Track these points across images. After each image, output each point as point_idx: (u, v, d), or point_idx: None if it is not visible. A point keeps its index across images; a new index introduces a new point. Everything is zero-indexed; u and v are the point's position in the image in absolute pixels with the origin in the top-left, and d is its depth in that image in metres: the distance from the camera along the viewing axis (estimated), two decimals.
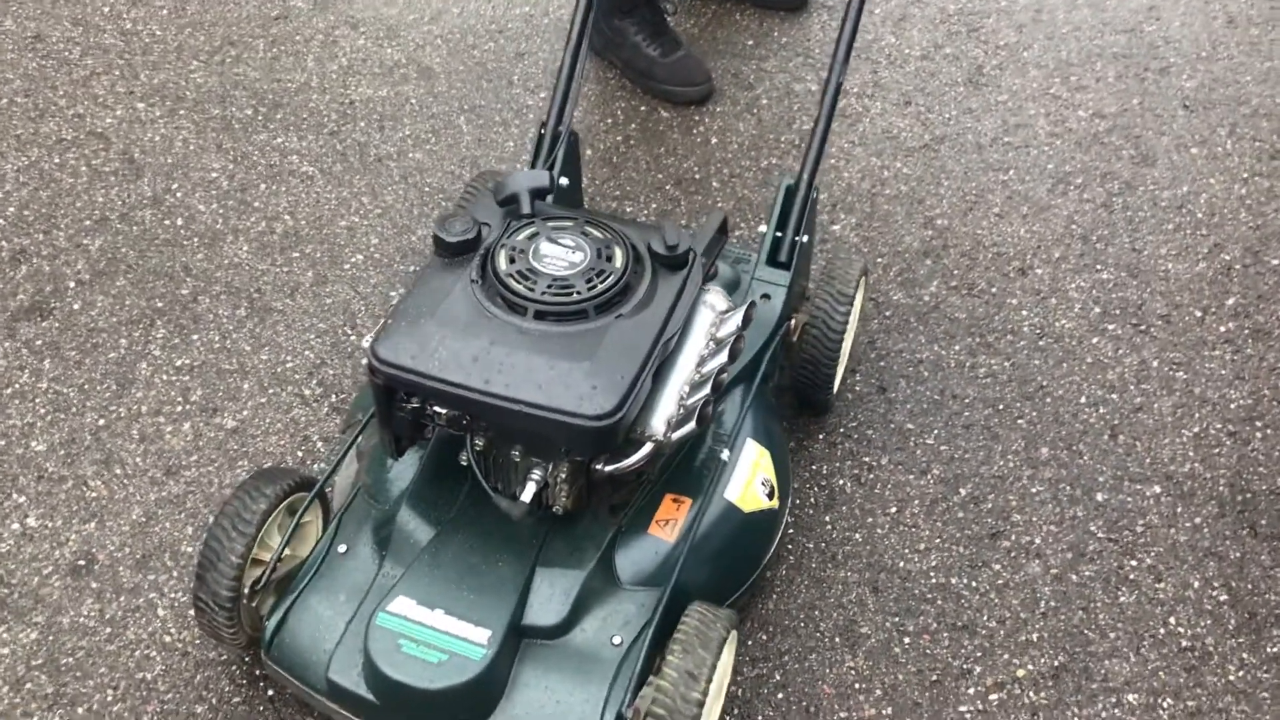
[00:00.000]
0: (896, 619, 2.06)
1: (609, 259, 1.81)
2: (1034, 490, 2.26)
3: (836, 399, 2.38)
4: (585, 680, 1.75)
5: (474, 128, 3.01)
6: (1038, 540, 2.18)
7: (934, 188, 2.87)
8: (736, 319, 1.90)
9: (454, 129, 3.01)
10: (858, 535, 2.18)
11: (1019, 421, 2.38)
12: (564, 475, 1.78)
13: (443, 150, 2.95)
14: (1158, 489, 2.26)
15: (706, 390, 1.83)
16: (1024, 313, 2.59)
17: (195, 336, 2.49)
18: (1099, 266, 2.68)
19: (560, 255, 1.81)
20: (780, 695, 1.96)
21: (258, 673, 1.96)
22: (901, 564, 2.14)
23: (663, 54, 3.06)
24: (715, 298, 1.93)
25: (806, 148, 2.24)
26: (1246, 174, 2.90)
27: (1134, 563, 2.14)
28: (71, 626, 2.02)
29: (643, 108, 3.08)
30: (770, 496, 2.01)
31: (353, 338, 2.50)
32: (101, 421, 2.33)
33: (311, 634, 1.81)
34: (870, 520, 2.20)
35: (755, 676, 1.98)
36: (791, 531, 2.17)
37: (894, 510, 2.22)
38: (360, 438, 2.02)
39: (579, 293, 1.76)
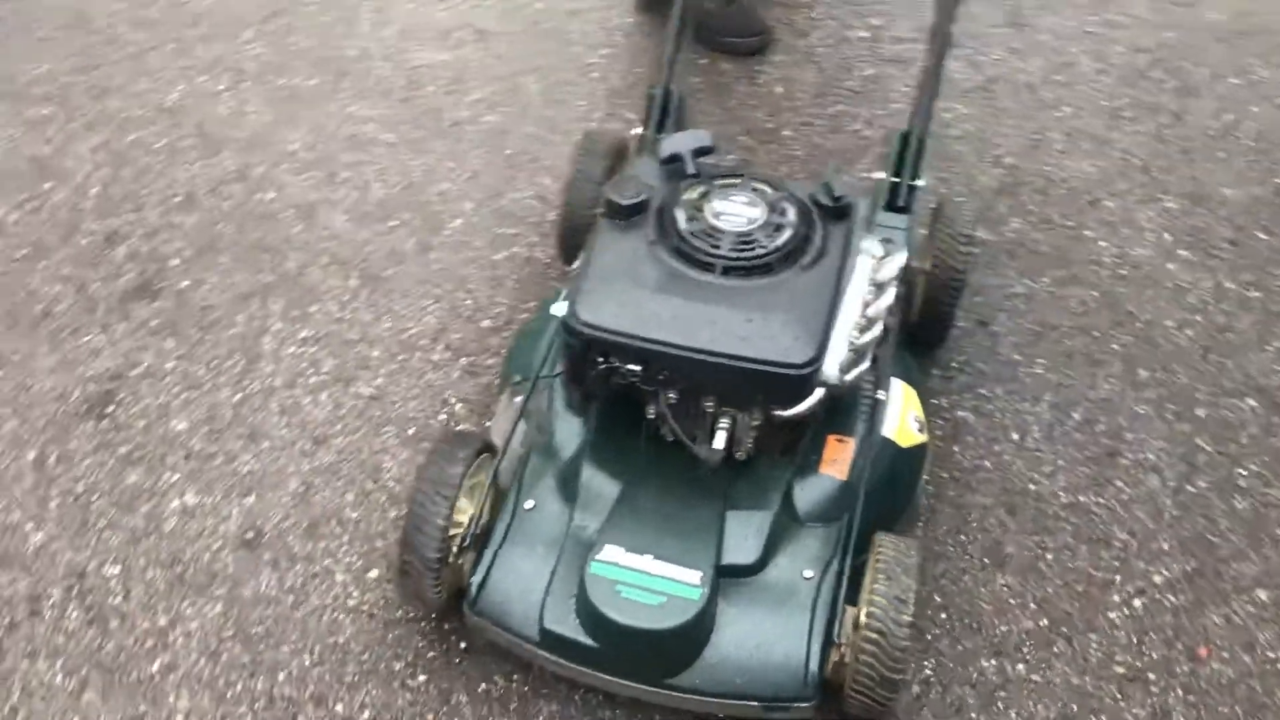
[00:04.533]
0: (1036, 538, 2.20)
1: (783, 213, 1.90)
2: (1140, 410, 2.40)
3: (955, 346, 2.49)
4: (786, 613, 1.85)
5: (541, 88, 3.05)
6: (1152, 456, 2.33)
7: (996, 127, 2.99)
8: (896, 263, 2.00)
9: (522, 91, 3.04)
10: (987, 463, 2.31)
11: (1114, 347, 2.51)
12: (755, 423, 1.87)
13: (516, 112, 2.99)
14: (1253, 402, 2.42)
15: (876, 331, 1.94)
16: (1101, 244, 2.72)
17: (313, 308, 2.53)
18: (1162, 196, 2.83)
19: (737, 212, 1.89)
20: (944, 615, 2.09)
21: (446, 627, 2.03)
22: (1032, 486, 2.27)
23: (719, 5, 3.11)
24: (871, 244, 2.02)
25: (918, 94, 2.34)
26: None
27: (1243, 471, 2.30)
28: (254, 598, 2.07)
29: (703, 61, 3.14)
30: (920, 431, 2.12)
31: (469, 302, 2.55)
32: (237, 397, 2.37)
33: (516, 587, 1.88)
34: (996, 448, 2.33)
35: (918, 598, 2.10)
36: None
37: (1016, 437, 2.35)
38: (528, 400, 2.08)
39: (762, 247, 1.85)
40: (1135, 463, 2.31)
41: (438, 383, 2.40)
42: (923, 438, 2.12)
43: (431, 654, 2.01)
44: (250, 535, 2.15)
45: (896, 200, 2.32)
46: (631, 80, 3.08)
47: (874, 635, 1.76)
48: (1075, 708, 1.98)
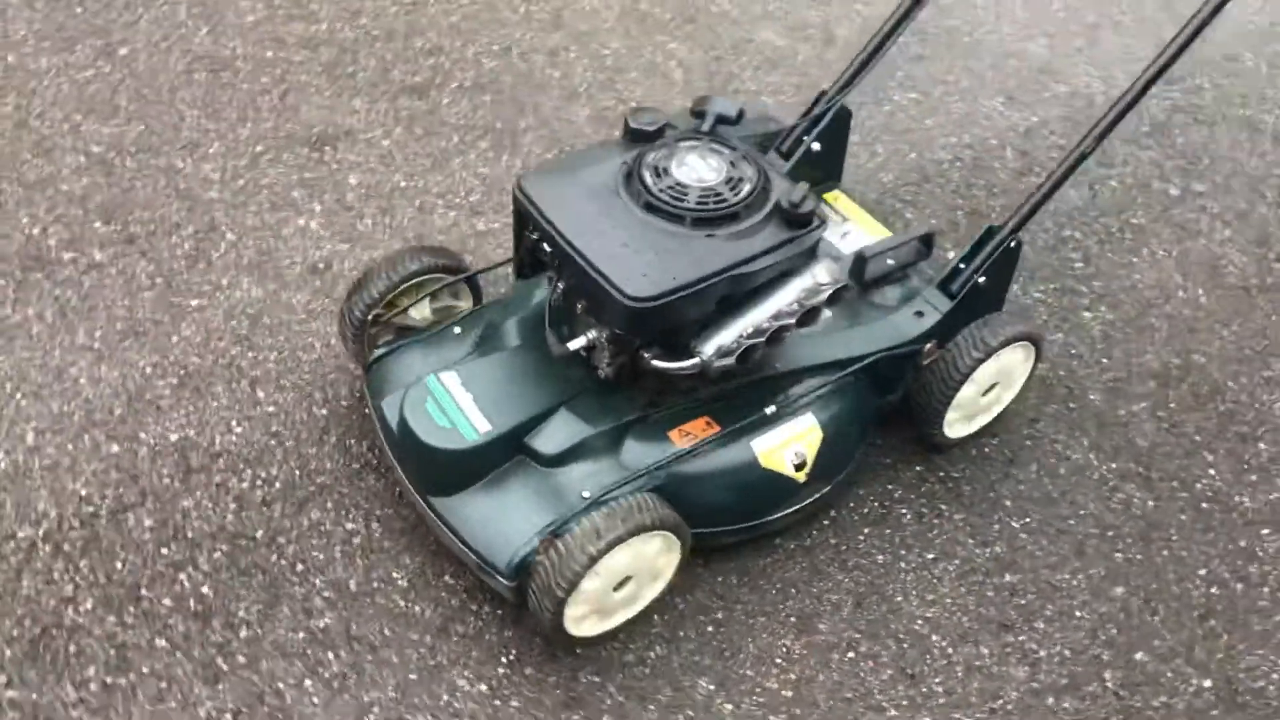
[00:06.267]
0: (857, 635, 2.11)
1: (734, 190, 2.02)
2: (1078, 615, 2.17)
3: (962, 450, 2.40)
4: (541, 506, 2.02)
5: None
6: (1043, 653, 2.11)
7: (1220, 328, 2.70)
8: (824, 296, 2.03)
9: (808, 97, 3.23)
10: (880, 557, 2.23)
11: (1116, 555, 2.26)
12: (608, 343, 2.04)
13: (787, 106, 3.19)
14: (1208, 684, 2.08)
15: (760, 339, 2.01)
16: (1212, 472, 2.41)
17: (505, 158, 2.98)
18: None
19: (697, 168, 2.04)
20: (710, 629, 2.11)
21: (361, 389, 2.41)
22: (899, 599, 2.17)
23: None
24: (822, 270, 2.07)
25: (1025, 200, 2.27)
26: None
27: None
28: (284, 303, 2.59)
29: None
30: (798, 470, 2.13)
31: None
32: (403, 184, 2.89)
33: (397, 373, 2.21)
34: (902, 553, 2.24)
35: (702, 605, 2.14)
36: (826, 523, 2.26)
37: (930, 557, 2.23)
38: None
39: (688, 203, 1.99)
40: (1018, 647, 2.12)
41: None
42: (794, 475, 2.13)
43: (346, 403, 2.41)
44: (321, 265, 2.67)
45: (950, 284, 2.28)
46: (913, 135, 3.15)
47: (561, 548, 1.90)
48: None
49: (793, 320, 2.02)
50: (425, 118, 3.07)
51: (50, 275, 2.61)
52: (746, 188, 2.03)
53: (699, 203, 1.99)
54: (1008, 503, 2.33)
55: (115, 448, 2.30)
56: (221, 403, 2.39)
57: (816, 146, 2.52)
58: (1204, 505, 2.35)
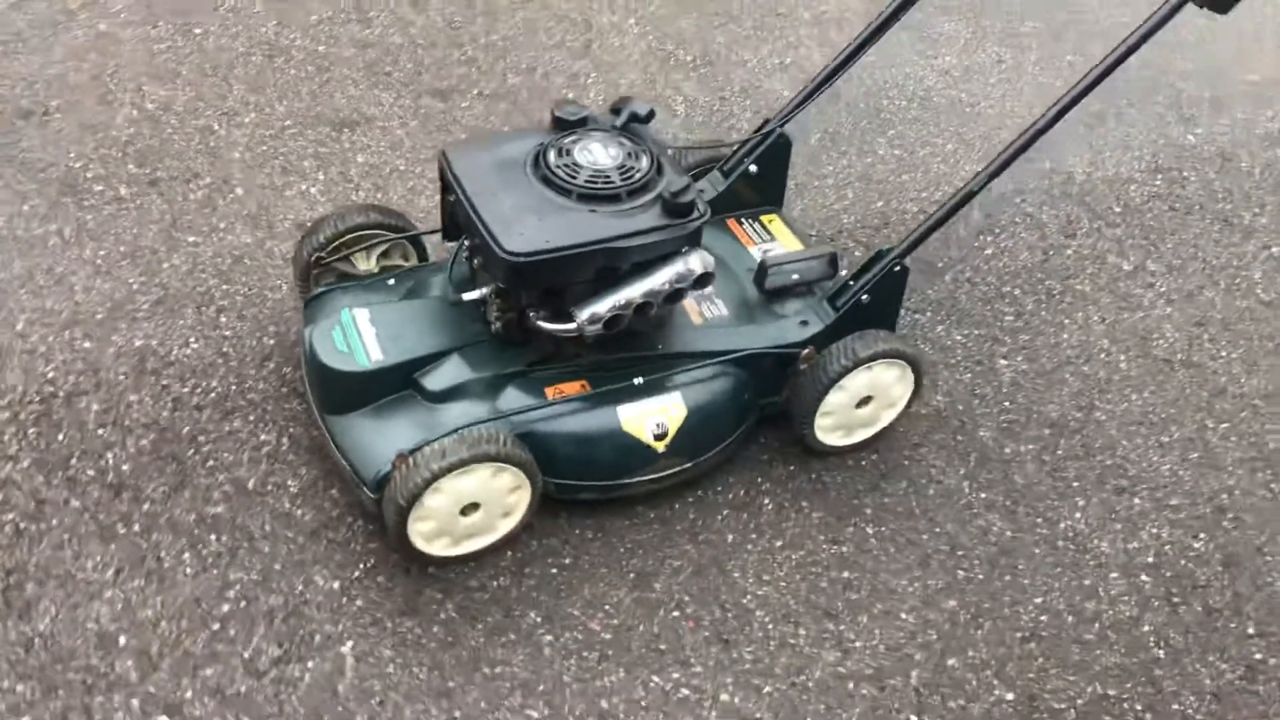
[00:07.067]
0: (687, 599, 2.27)
1: (624, 176, 2.25)
2: (903, 617, 2.28)
3: (839, 460, 2.54)
4: (416, 435, 2.24)
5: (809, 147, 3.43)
6: (858, 644, 2.23)
7: (1132, 394, 2.78)
8: (690, 279, 2.24)
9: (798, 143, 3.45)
10: (730, 536, 2.38)
11: (959, 572, 2.37)
12: (495, 297, 2.28)
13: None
14: (1011, 696, 2.17)
15: (628, 310, 2.22)
16: (1078, 515, 2.50)
17: None
18: (1203, 535, 2.48)
19: (596, 154, 2.28)
20: (555, 571, 2.29)
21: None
22: (736, 575, 2.32)
23: None
24: (696, 260, 2.27)
25: (914, 228, 2.44)
26: None
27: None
28: (267, 250, 2.90)
29: None
30: (657, 440, 2.31)
31: None
32: (402, 168, 3.20)
33: (327, 307, 2.48)
34: (753, 536, 2.39)
35: (553, 549, 2.33)
36: (690, 500, 2.44)
37: (778, 544, 2.38)
38: None
39: (577, 181, 2.23)
40: (836, 634, 2.24)
41: None
42: (653, 444, 2.32)
43: (291, 338, 2.69)
44: (308, 224, 2.97)
45: (837, 299, 2.46)
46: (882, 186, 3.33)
47: (411, 463, 2.12)
48: (540, 687, 2.11)
49: (661, 299, 2.23)
50: (440, 116, 3.39)
51: (78, 201, 2.98)
52: (636, 175, 2.25)
53: (587, 181, 2.23)
54: (868, 510, 2.46)
55: (88, 344, 2.63)
56: (187, 322, 2.70)
57: (754, 169, 2.73)
58: (1060, 543, 2.44)
